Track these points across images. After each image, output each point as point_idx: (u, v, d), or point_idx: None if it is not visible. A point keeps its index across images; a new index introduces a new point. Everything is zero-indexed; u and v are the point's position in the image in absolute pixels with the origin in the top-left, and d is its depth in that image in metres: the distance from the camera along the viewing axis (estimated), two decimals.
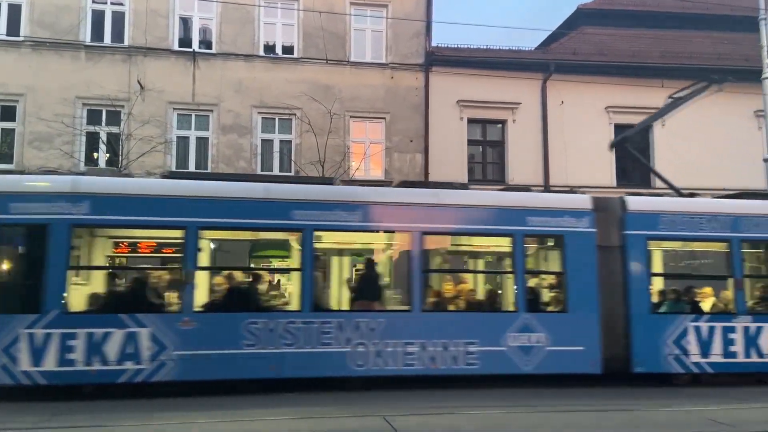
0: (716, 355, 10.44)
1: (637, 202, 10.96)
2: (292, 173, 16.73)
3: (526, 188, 12.65)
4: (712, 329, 10.51)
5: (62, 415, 7.83)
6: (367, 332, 9.58)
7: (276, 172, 17.08)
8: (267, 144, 17.38)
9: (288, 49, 17.72)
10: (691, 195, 12.00)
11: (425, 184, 11.82)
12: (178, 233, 9.51)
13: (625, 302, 10.38)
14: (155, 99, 16.62)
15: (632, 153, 13.65)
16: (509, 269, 10.62)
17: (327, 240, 10.50)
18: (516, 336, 9.97)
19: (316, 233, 9.79)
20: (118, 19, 17.05)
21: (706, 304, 11.17)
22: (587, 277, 10.32)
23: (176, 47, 17.16)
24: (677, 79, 18.04)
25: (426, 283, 10.21)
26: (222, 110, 17.06)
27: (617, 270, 10.49)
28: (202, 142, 17.12)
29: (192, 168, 16.81)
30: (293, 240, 10.17)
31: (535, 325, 10.05)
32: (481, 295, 11.41)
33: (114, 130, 16.13)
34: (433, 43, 18.63)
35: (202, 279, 9.73)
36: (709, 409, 8.30)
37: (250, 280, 10.17)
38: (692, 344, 10.39)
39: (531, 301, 10.34)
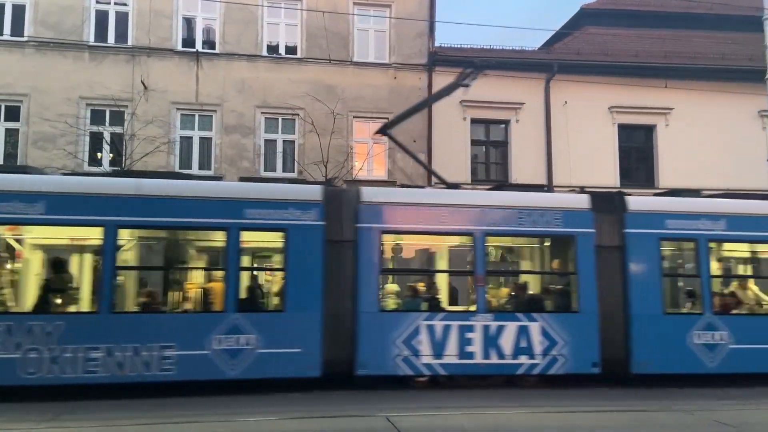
0: (451, 356, 9.75)
1: (372, 194, 10.24)
2: (295, 174, 16.75)
3: (262, 179, 11.80)
4: (447, 328, 9.81)
5: (65, 415, 7.86)
6: (41, 337, 8.67)
7: (279, 172, 17.09)
8: (270, 144, 17.39)
9: (291, 49, 17.73)
10: (455, 187, 11.47)
11: (143, 174, 10.67)
12: None
13: (354, 300, 9.68)
14: (158, 99, 16.65)
15: (396, 142, 12.72)
16: (220, 266, 9.80)
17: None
18: (222, 338, 9.15)
19: None
20: (122, 19, 17.08)
21: (447, 301, 10.63)
22: (312, 273, 9.55)
23: (179, 47, 17.18)
24: (680, 79, 18.17)
25: (118, 282, 9.28)
26: (225, 110, 17.08)
27: (347, 265, 9.77)
28: (205, 143, 17.14)
29: (195, 169, 16.84)
30: None
31: (245, 326, 9.26)
32: (183, 293, 10.30)
33: (117, 130, 16.18)
34: (436, 44, 18.61)
35: None
36: (713, 410, 8.28)
37: None
38: (424, 344, 9.70)
39: (244, 300, 9.59)
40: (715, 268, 11.14)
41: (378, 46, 18.08)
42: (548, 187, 16.97)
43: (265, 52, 17.53)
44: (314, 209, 9.73)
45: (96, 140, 16.38)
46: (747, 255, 11.87)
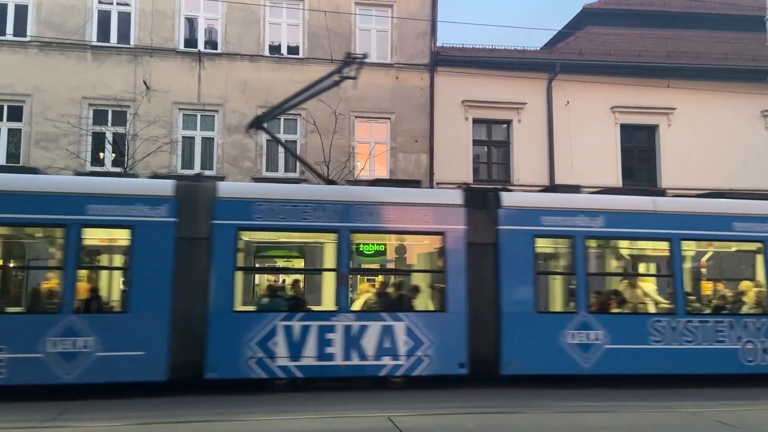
0: (309, 358, 9.34)
1: (229, 189, 9.91)
2: (297, 174, 16.76)
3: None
4: (306, 329, 9.39)
5: (68, 414, 7.87)
6: None
7: (281, 172, 17.10)
8: (272, 144, 17.38)
9: (293, 50, 17.73)
10: (331, 182, 10.92)
11: None
12: None
13: (206, 300, 9.24)
14: (161, 99, 16.66)
15: (270, 134, 12.21)
16: (58, 264, 9.28)
17: None
18: (57, 341, 8.72)
19: None
20: (124, 19, 17.10)
21: (312, 301, 10.29)
22: (160, 272, 9.14)
23: (182, 47, 17.19)
24: (683, 79, 18.14)
25: None
26: (227, 110, 17.09)
27: (201, 264, 9.31)
28: (207, 143, 17.15)
29: (198, 169, 16.85)
30: None
31: (83, 327, 8.82)
32: (17, 293, 9.93)
33: (120, 130, 16.21)
34: (439, 43, 18.61)
35: None
36: (715, 410, 8.26)
37: None
38: (280, 346, 9.28)
39: (82, 300, 9.20)
40: (592, 265, 10.89)
41: (380, 46, 18.08)
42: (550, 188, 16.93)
43: (267, 52, 17.54)
44: (164, 205, 9.31)
45: (98, 140, 16.41)
46: (628, 252, 11.60)
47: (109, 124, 16.43)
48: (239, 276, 9.63)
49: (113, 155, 16.23)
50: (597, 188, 12.58)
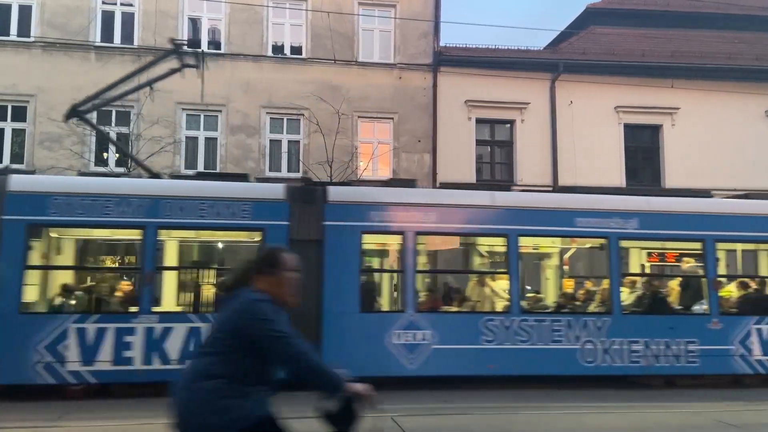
0: (104, 363, 8.79)
1: (20, 183, 9.26)
2: (300, 174, 16.78)
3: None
4: (102, 332, 8.84)
5: (71, 414, 7.90)
6: None
7: (284, 172, 17.13)
8: (275, 144, 17.43)
9: (296, 50, 17.76)
10: (155, 176, 10.50)
11: None
12: None
13: None
14: (164, 99, 16.59)
15: (90, 124, 11.66)
16: None
17: None
18: None
19: None
20: (128, 20, 17.15)
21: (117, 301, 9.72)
22: None
23: (185, 48, 17.18)
24: (687, 79, 18.11)
25: None
26: (230, 111, 17.12)
27: None
28: (210, 143, 17.19)
29: (201, 169, 16.88)
30: None
31: None
32: None
33: (123, 130, 16.24)
34: (441, 43, 18.62)
35: None
36: (717, 411, 8.26)
37: None
38: (72, 350, 8.72)
39: None
40: (422, 262, 10.51)
41: (383, 46, 18.09)
42: (553, 188, 16.92)
43: (270, 53, 17.57)
44: None
45: (102, 140, 16.44)
46: (465, 248, 11.24)
47: (113, 125, 16.46)
48: (30, 275, 9.13)
49: (117, 155, 16.26)
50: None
